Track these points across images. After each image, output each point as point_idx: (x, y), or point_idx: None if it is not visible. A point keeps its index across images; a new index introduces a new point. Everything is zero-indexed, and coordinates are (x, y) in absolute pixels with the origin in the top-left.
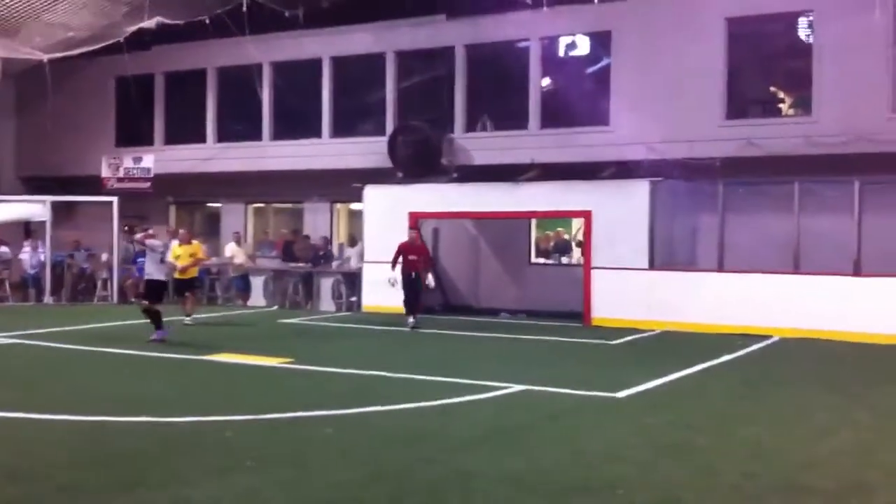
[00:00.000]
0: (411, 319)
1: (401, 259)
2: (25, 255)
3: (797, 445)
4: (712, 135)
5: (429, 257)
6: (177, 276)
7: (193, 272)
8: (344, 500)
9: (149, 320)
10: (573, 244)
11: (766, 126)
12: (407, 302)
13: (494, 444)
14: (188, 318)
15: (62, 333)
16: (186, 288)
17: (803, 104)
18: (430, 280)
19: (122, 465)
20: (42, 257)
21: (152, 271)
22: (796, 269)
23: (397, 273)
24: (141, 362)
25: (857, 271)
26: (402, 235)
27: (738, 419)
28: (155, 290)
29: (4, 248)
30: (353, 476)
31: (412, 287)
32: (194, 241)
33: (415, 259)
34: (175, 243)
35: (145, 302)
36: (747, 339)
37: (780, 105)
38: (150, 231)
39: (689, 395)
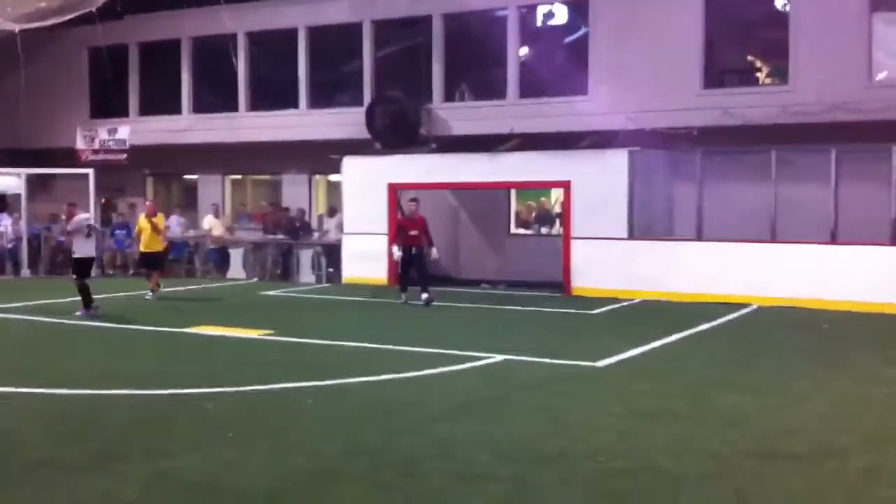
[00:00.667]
0: (403, 294)
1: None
2: (2, 227)
3: (774, 412)
4: (690, 104)
5: (428, 230)
6: (142, 249)
7: (159, 245)
8: (324, 470)
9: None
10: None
11: (744, 95)
12: (401, 278)
13: (474, 413)
14: (149, 294)
15: (39, 307)
16: (153, 261)
17: (780, 73)
18: (435, 252)
19: (101, 439)
20: (19, 231)
21: (79, 247)
22: (774, 237)
23: (394, 249)
24: (120, 335)
25: (833, 239)
26: (380, 206)
27: (717, 387)
28: (82, 266)
29: None
30: (332, 447)
31: (413, 264)
32: (160, 214)
33: (415, 234)
34: (141, 216)
35: (74, 276)
36: (726, 307)
37: (758, 74)
38: (75, 206)
39: (669, 364)
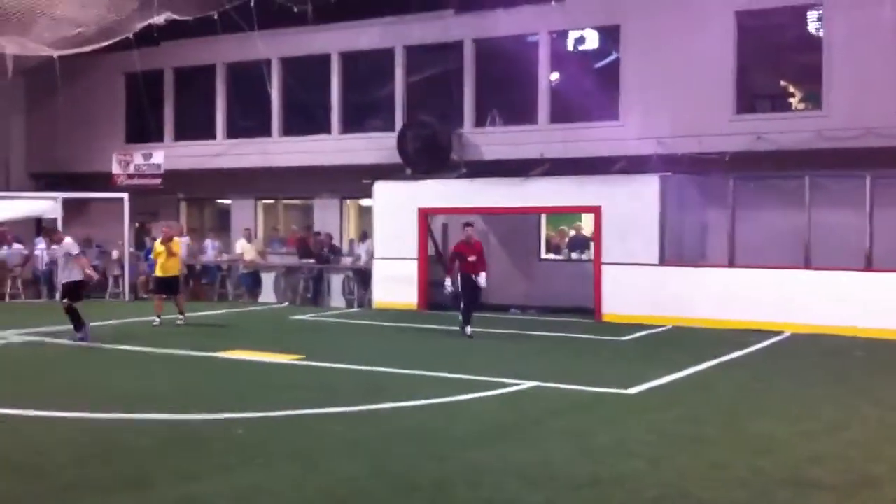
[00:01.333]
0: (469, 329)
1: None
2: (38, 251)
3: (806, 440)
4: (722, 129)
5: (483, 256)
6: (158, 273)
7: (175, 270)
8: (352, 495)
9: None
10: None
11: (777, 121)
12: (466, 310)
13: (503, 439)
14: (157, 320)
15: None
16: (168, 286)
17: (813, 98)
18: (483, 279)
19: (130, 462)
20: (54, 254)
21: (66, 273)
22: (807, 264)
23: (457, 280)
24: (152, 360)
25: (868, 266)
26: (410, 230)
27: (748, 414)
28: (71, 291)
29: (18, 245)
30: (361, 472)
31: (475, 293)
32: (176, 239)
33: (474, 261)
34: (156, 241)
35: (66, 301)
36: (758, 334)
37: (791, 99)
38: (59, 232)
39: (700, 391)
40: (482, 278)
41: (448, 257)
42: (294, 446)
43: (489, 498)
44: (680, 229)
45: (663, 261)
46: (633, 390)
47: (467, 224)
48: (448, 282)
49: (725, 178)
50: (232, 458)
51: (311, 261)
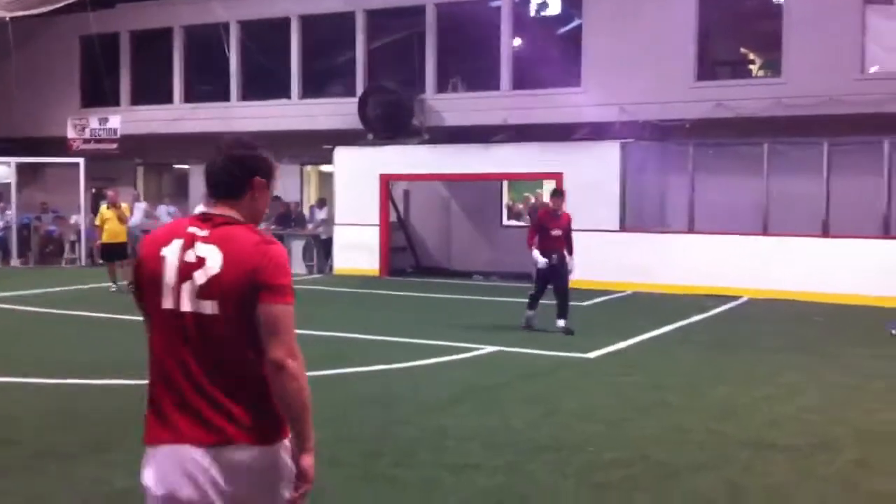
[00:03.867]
0: (531, 313)
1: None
2: None
3: (765, 404)
4: (683, 96)
5: (571, 231)
6: (105, 240)
7: (123, 236)
8: (318, 460)
9: None
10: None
11: (737, 87)
12: (536, 295)
13: (467, 404)
14: (113, 287)
15: (30, 297)
16: (117, 253)
17: (773, 66)
18: (572, 263)
19: (95, 428)
20: (8, 219)
21: None
22: (766, 230)
23: (536, 255)
24: (110, 324)
25: (825, 232)
26: (372, 197)
27: (708, 379)
28: None
29: None
30: (325, 436)
31: (552, 276)
32: (123, 204)
33: (558, 235)
34: (103, 206)
35: None
36: (717, 299)
37: (751, 67)
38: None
39: (660, 356)
40: (571, 261)
41: (529, 227)
42: None
43: (452, 462)
44: (641, 196)
45: (624, 227)
46: (593, 354)
47: (556, 192)
48: (536, 254)
49: (686, 144)
50: None
51: (273, 227)
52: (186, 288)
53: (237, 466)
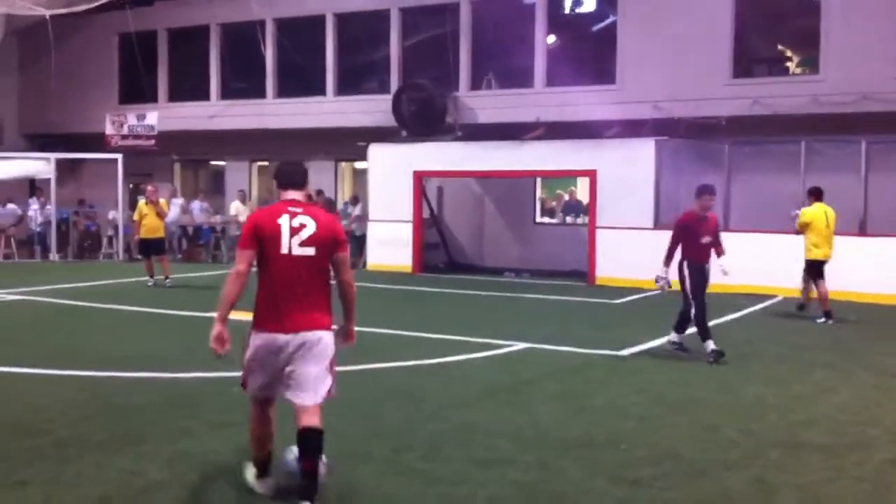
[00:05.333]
0: (711, 344)
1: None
2: (33, 212)
3: (798, 403)
4: (719, 94)
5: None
6: (143, 235)
7: (161, 231)
8: (346, 453)
9: None
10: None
11: (773, 85)
12: (700, 319)
13: (496, 400)
14: (151, 281)
15: (67, 290)
16: (156, 248)
17: (810, 63)
18: (726, 264)
19: (125, 420)
20: (48, 215)
21: None
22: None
23: (672, 269)
24: (146, 319)
25: (862, 231)
26: (405, 194)
27: (740, 377)
28: None
29: (12, 206)
30: (355, 430)
31: (703, 289)
32: (161, 200)
33: (708, 242)
34: (141, 201)
35: None
36: (750, 298)
37: (788, 64)
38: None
39: (692, 354)
40: (726, 261)
41: (671, 236)
42: (287, 405)
43: (481, 458)
44: (675, 194)
45: (658, 225)
46: (625, 352)
47: (706, 188)
48: (662, 273)
49: (721, 142)
50: (227, 417)
51: None
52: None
53: (319, 341)
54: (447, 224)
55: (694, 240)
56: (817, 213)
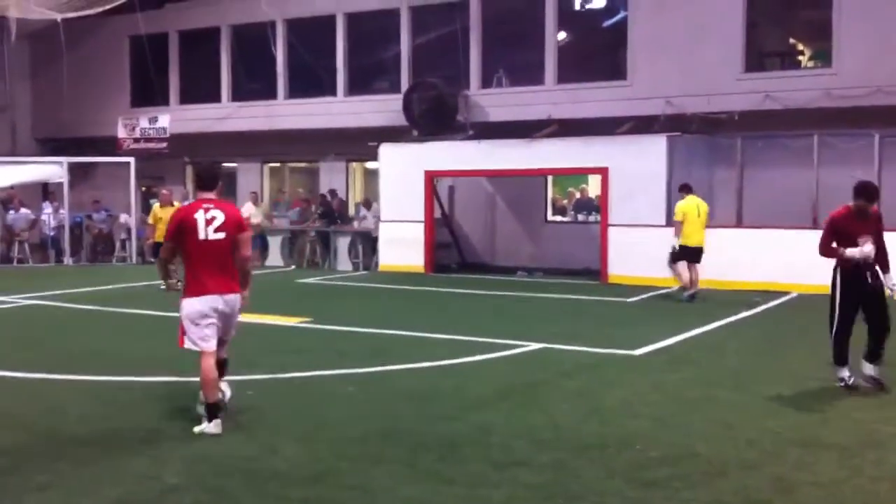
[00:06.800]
0: (846, 373)
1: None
2: (46, 216)
3: (815, 401)
4: (731, 88)
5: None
6: (158, 239)
7: None
8: (363, 455)
9: None
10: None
11: (785, 79)
12: (839, 335)
13: (511, 401)
14: (164, 285)
15: (81, 294)
16: None
17: (823, 56)
18: (890, 280)
19: (139, 422)
20: (61, 218)
21: None
22: (815, 223)
23: (850, 252)
24: (160, 322)
25: None
26: (417, 193)
27: (756, 376)
28: None
29: (25, 210)
30: (370, 432)
31: (867, 302)
32: (176, 203)
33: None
34: (156, 205)
35: None
36: (766, 295)
37: (800, 57)
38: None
39: (708, 352)
40: (889, 279)
41: (821, 239)
42: (304, 407)
43: (497, 459)
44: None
45: (670, 222)
46: (639, 351)
47: (866, 186)
48: (851, 251)
49: (734, 137)
50: (241, 419)
51: (316, 224)
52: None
53: (233, 301)
54: (459, 223)
55: (847, 244)
56: (690, 205)
